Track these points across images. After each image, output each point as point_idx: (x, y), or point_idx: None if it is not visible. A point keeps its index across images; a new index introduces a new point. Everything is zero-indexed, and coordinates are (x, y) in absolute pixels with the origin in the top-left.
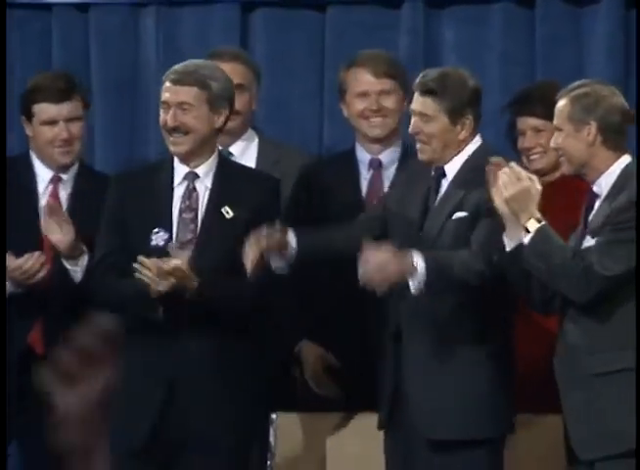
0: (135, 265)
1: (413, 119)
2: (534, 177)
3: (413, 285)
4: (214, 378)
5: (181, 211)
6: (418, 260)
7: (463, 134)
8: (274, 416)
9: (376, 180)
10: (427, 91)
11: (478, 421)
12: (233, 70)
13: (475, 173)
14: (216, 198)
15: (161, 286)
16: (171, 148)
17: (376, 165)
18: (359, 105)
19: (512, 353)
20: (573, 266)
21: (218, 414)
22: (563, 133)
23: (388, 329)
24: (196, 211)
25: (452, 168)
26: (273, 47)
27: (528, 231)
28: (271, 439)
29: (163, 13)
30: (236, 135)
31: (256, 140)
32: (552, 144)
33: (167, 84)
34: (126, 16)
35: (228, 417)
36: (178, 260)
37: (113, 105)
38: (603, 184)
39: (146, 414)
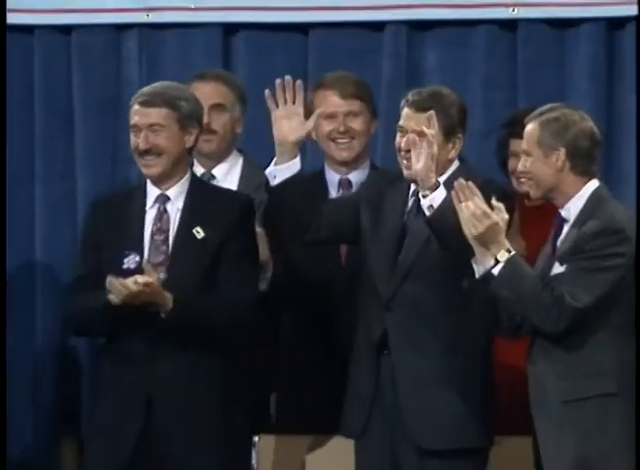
0: (106, 285)
1: (407, 136)
2: (499, 205)
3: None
4: (191, 397)
5: (152, 234)
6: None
7: (452, 154)
8: (256, 438)
9: None
10: (424, 108)
11: (470, 430)
12: (213, 90)
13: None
14: (188, 219)
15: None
16: (144, 170)
17: (345, 185)
18: (327, 127)
19: (492, 365)
20: (544, 298)
21: (196, 433)
22: (531, 158)
23: (370, 340)
24: (167, 233)
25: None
26: (255, 70)
27: (498, 261)
28: (253, 461)
29: (146, 35)
30: (219, 157)
31: (240, 163)
32: (520, 168)
33: (136, 107)
34: (109, 38)
35: (207, 436)
36: (149, 277)
37: (95, 126)
38: (571, 209)
39: (127, 435)
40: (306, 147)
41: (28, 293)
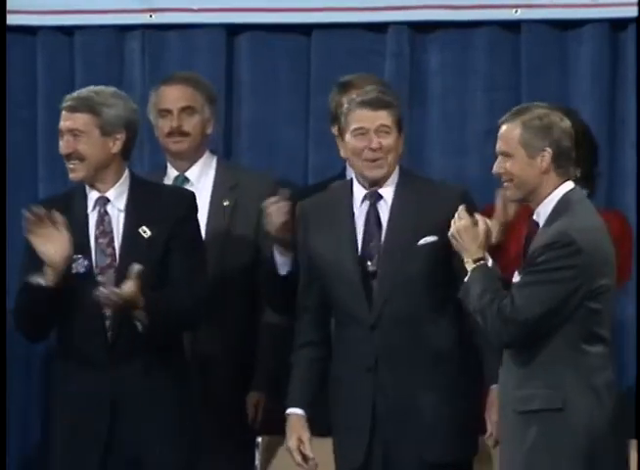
0: (98, 292)
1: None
2: (480, 217)
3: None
4: (153, 396)
5: (97, 237)
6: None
7: (400, 149)
8: (259, 440)
9: None
10: (386, 105)
11: (466, 442)
12: (182, 93)
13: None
14: (132, 219)
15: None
16: (70, 174)
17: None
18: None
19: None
20: (491, 311)
21: (160, 433)
22: (513, 159)
23: (359, 361)
24: (111, 234)
25: (389, 191)
26: (258, 71)
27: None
28: (256, 462)
29: (149, 36)
30: (191, 159)
31: (214, 164)
32: (496, 169)
33: (63, 112)
34: (112, 39)
35: (171, 435)
36: (131, 287)
37: None
38: (541, 213)
39: (97, 435)
40: (308, 158)
41: None
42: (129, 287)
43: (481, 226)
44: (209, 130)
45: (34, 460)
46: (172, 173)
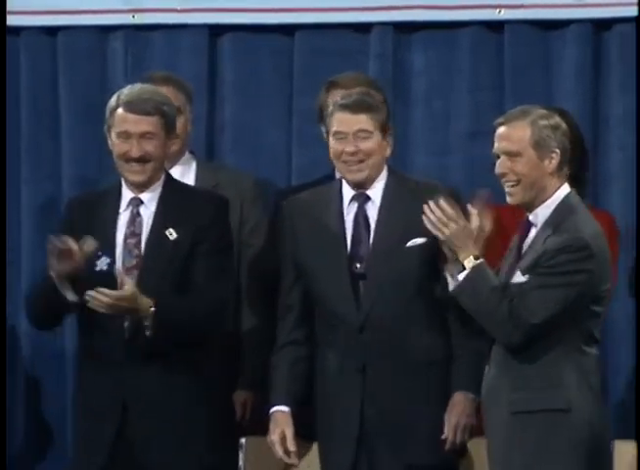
0: (87, 295)
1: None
2: (474, 211)
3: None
4: (166, 401)
5: (126, 237)
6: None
7: (389, 151)
8: (243, 440)
9: None
10: (367, 108)
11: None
12: (168, 93)
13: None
14: (161, 221)
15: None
16: (130, 177)
17: None
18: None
19: None
20: (501, 310)
21: (170, 437)
22: (522, 159)
23: (346, 364)
24: (139, 236)
25: (377, 193)
26: (241, 72)
27: (464, 268)
28: (240, 463)
29: (132, 37)
30: (173, 159)
31: (194, 164)
32: (501, 170)
33: (125, 114)
34: (95, 39)
35: (181, 440)
36: (128, 288)
37: (81, 127)
38: (539, 215)
39: (103, 437)
40: (291, 158)
41: (13, 295)
42: (123, 290)
43: (474, 223)
44: (189, 129)
45: None
46: None
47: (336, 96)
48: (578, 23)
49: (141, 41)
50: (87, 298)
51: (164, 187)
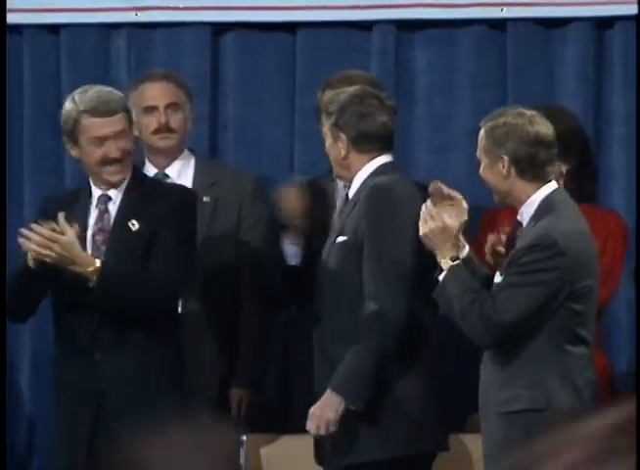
0: (23, 232)
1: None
2: (457, 210)
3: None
4: (137, 388)
5: (94, 234)
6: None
7: (343, 152)
8: (244, 437)
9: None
10: (322, 110)
11: (385, 441)
12: (165, 90)
13: (361, 194)
14: (124, 214)
15: (45, 255)
16: (112, 178)
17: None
18: None
19: (433, 369)
20: (472, 312)
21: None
22: (482, 164)
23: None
24: (107, 232)
25: (352, 191)
26: (244, 69)
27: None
28: (241, 460)
29: (135, 35)
30: (172, 156)
31: (193, 161)
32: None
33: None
34: (98, 38)
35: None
36: (70, 233)
37: None
38: (524, 215)
39: (80, 431)
40: (293, 156)
41: None
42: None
43: (454, 224)
44: (189, 127)
45: None
46: (152, 171)
47: (327, 96)
48: (581, 22)
49: (144, 39)
50: (20, 238)
51: (130, 181)
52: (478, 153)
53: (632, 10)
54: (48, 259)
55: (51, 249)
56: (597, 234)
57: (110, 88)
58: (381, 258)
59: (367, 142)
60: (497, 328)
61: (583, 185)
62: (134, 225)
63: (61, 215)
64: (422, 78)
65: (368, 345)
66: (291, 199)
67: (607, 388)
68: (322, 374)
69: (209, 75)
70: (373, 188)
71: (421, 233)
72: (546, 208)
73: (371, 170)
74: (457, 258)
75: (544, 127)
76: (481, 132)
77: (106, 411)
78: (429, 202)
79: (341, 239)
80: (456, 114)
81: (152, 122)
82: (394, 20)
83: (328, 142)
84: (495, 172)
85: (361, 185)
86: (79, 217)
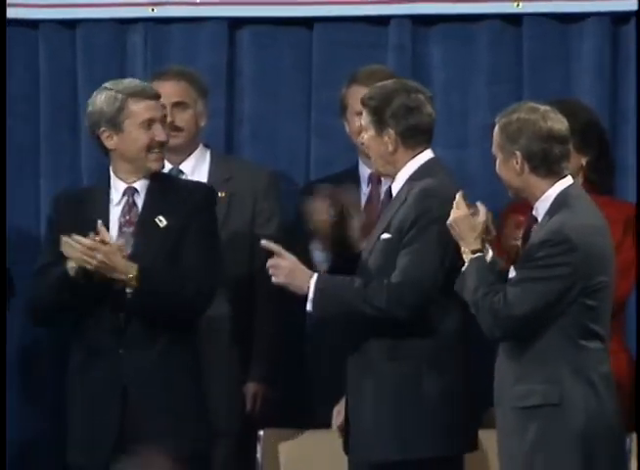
0: (64, 240)
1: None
2: (482, 208)
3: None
4: (163, 383)
5: (121, 226)
6: (312, 280)
7: (390, 147)
8: (261, 432)
9: (373, 196)
10: (362, 102)
11: (416, 440)
12: (174, 88)
13: (408, 193)
14: (150, 208)
15: (87, 262)
16: (153, 165)
17: (375, 181)
18: (358, 122)
19: (459, 371)
20: (484, 305)
21: (170, 420)
22: (497, 161)
23: None
24: (135, 224)
25: (396, 187)
26: (260, 64)
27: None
28: (258, 455)
29: (151, 30)
30: (185, 153)
31: (208, 157)
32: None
33: (148, 101)
34: (114, 33)
35: (181, 422)
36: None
37: None
38: (539, 210)
39: (107, 426)
40: (310, 151)
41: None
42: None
43: (481, 218)
44: (203, 123)
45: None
46: (166, 166)
47: (354, 92)
48: (597, 16)
49: (160, 34)
50: (62, 243)
51: (152, 176)
52: (493, 149)
53: None
54: (89, 267)
55: (93, 257)
56: (616, 225)
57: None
58: (417, 257)
59: (415, 136)
60: (506, 321)
61: (602, 177)
62: (162, 221)
63: (100, 224)
64: (438, 74)
65: (372, 305)
66: (320, 213)
67: (630, 382)
68: (357, 370)
69: (226, 71)
70: (422, 192)
71: (448, 221)
72: (561, 203)
73: (417, 166)
74: (480, 251)
75: (558, 123)
76: (496, 128)
77: (131, 406)
78: (460, 193)
79: (385, 236)
80: (472, 109)
81: None
82: (410, 15)
83: (369, 137)
84: (509, 168)
85: (407, 182)
86: (99, 213)
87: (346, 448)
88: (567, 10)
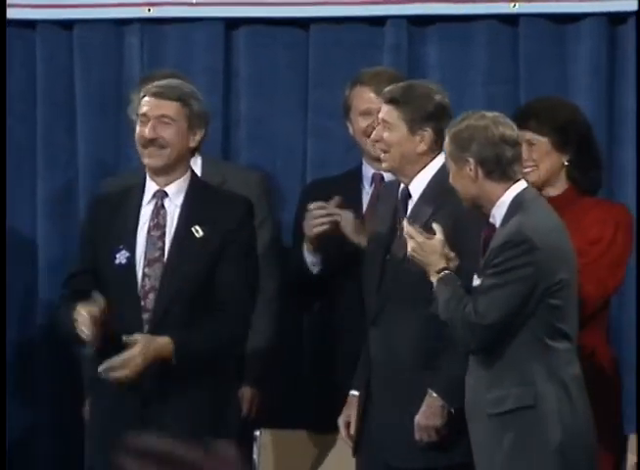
0: (100, 371)
1: (376, 128)
2: (436, 227)
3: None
4: (182, 414)
5: (149, 229)
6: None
7: (421, 147)
8: (257, 433)
9: (375, 195)
10: (390, 100)
11: (439, 449)
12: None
13: (441, 193)
14: (187, 216)
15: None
16: (146, 160)
17: (377, 180)
18: (362, 123)
19: None
20: (456, 318)
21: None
22: (450, 170)
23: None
24: (164, 229)
25: (417, 188)
26: (257, 65)
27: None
28: (254, 456)
29: (148, 30)
30: None
31: (199, 161)
32: None
33: (148, 98)
34: (110, 33)
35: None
36: (134, 350)
37: (97, 120)
38: (496, 216)
39: (129, 409)
40: (306, 152)
41: (30, 285)
42: (129, 351)
43: (438, 236)
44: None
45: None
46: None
47: (358, 93)
48: (594, 17)
49: (156, 35)
50: (100, 372)
51: (191, 184)
52: (444, 160)
53: None
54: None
55: (134, 364)
56: (607, 224)
57: (187, 84)
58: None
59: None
60: (482, 332)
61: (587, 175)
62: (198, 232)
63: (127, 339)
64: (434, 74)
65: (465, 347)
66: (316, 227)
67: (614, 379)
68: (382, 372)
69: (222, 71)
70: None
71: (408, 254)
72: (517, 206)
73: (439, 166)
74: (446, 269)
75: (508, 128)
76: (446, 139)
77: (150, 405)
78: (405, 223)
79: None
80: (468, 109)
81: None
82: (406, 15)
83: (397, 135)
84: (463, 176)
85: (431, 184)
86: (130, 211)
87: (356, 453)
88: (563, 10)
